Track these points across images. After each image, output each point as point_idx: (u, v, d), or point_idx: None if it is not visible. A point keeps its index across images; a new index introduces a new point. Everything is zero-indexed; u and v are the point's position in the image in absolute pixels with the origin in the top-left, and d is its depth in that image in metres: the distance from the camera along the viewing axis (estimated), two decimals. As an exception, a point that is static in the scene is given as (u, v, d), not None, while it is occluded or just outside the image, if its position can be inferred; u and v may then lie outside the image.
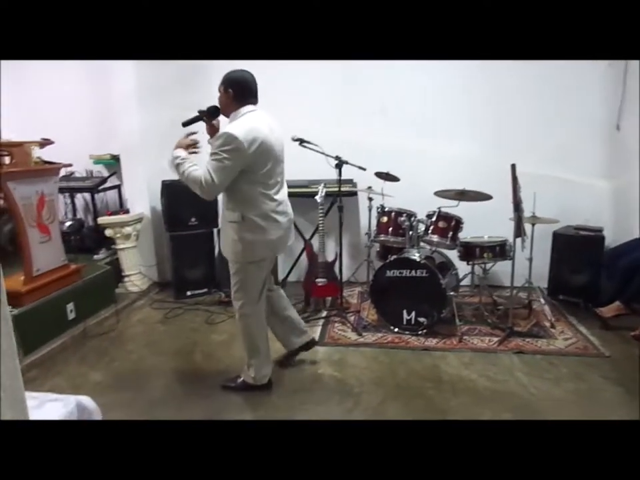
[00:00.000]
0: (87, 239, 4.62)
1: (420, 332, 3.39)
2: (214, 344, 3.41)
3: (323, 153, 3.43)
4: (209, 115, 2.53)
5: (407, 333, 3.41)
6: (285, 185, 2.63)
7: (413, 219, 3.56)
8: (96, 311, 3.83)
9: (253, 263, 2.52)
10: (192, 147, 2.52)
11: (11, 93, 4.97)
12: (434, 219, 3.53)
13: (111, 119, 4.49)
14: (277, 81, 4.29)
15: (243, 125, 2.35)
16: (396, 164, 3.94)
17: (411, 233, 3.51)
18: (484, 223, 3.73)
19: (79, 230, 4.68)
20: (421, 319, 3.37)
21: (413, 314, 3.38)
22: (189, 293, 4.35)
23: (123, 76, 4.29)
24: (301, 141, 3.45)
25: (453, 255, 3.73)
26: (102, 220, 4.35)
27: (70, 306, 3.53)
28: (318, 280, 3.81)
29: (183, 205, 4.19)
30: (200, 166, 2.42)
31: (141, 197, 4.52)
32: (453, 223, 3.51)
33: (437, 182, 3.68)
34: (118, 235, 4.35)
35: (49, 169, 3.49)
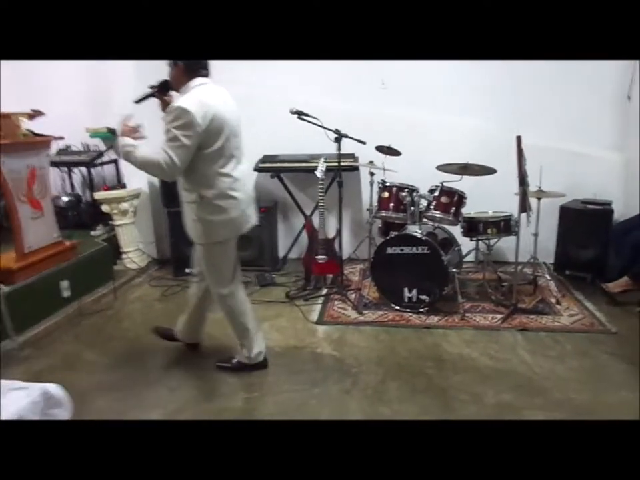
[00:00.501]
0: (84, 215, 4.54)
1: (421, 310, 3.31)
2: (210, 322, 3.31)
3: (321, 126, 3.31)
4: (160, 90, 2.44)
5: (408, 310, 3.34)
6: (244, 161, 2.51)
7: (414, 194, 3.44)
8: (92, 289, 3.78)
9: (217, 244, 2.43)
10: (135, 132, 2.38)
11: (5, 66, 4.84)
12: (436, 194, 3.42)
13: (107, 91, 4.36)
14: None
15: (193, 98, 2.24)
16: (398, 137, 3.80)
17: (412, 208, 3.40)
18: (488, 197, 3.61)
19: (76, 205, 4.60)
20: (423, 297, 3.29)
21: (415, 291, 3.30)
22: (187, 270, 4.25)
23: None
24: (300, 114, 3.33)
25: (456, 230, 3.62)
26: (98, 195, 4.26)
27: (64, 283, 3.47)
28: (318, 257, 3.72)
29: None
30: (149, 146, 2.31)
31: (138, 171, 4.36)
32: (455, 198, 3.40)
33: (440, 156, 3.55)
34: (115, 211, 4.26)
35: (39, 142, 3.39)
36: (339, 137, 3.33)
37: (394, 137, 3.78)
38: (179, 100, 2.25)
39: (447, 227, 3.64)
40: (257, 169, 4.15)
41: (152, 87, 2.45)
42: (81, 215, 4.50)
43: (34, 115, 3.41)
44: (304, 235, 4.16)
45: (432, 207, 3.43)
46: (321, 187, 3.61)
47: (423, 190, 3.51)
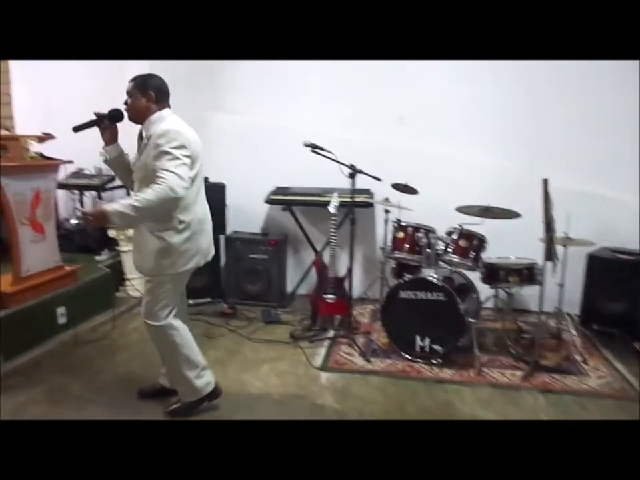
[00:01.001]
0: (91, 239, 4.45)
1: (434, 361, 3.07)
2: (209, 361, 3.13)
3: (336, 161, 3.17)
4: (111, 120, 2.33)
5: (420, 361, 3.09)
6: None
7: (431, 235, 3.25)
8: (90, 316, 3.64)
9: (178, 274, 2.31)
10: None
11: (24, 89, 4.88)
12: (455, 236, 3.21)
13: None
14: (288, 83, 4.09)
15: (176, 124, 2.21)
16: (416, 174, 3.63)
17: (428, 251, 3.20)
18: (511, 242, 3.38)
19: (84, 229, 4.52)
20: (436, 347, 3.06)
21: (427, 340, 3.07)
22: (191, 302, 4.09)
23: (138, 69, 4.09)
24: (313, 147, 3.20)
25: (475, 276, 3.39)
26: (105, 220, 4.17)
27: (61, 310, 3.34)
28: (326, 296, 3.53)
29: (189, 208, 3.99)
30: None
31: (148, 197, 4.32)
32: (475, 242, 3.19)
33: (460, 195, 3.37)
34: (121, 237, 4.16)
35: (46, 165, 3.32)
36: (354, 172, 3.18)
37: (411, 173, 3.60)
38: (165, 124, 2.19)
39: (465, 272, 3.42)
40: (268, 201, 4.01)
41: (100, 115, 2.32)
42: (88, 239, 4.40)
43: (44, 138, 3.36)
44: (314, 270, 3.99)
45: (449, 250, 3.22)
46: (333, 222, 3.44)
47: (441, 231, 3.32)
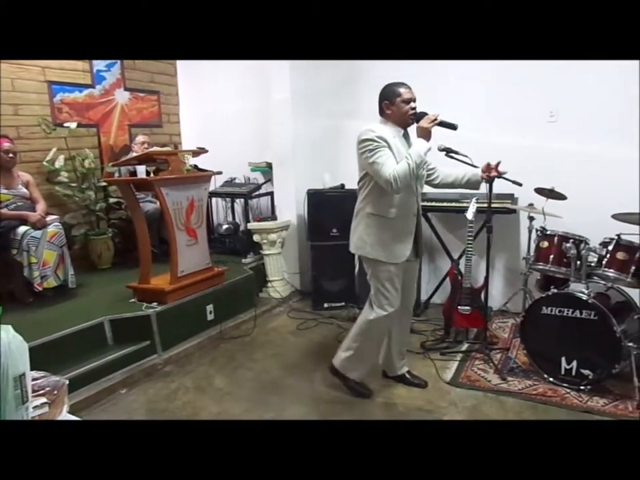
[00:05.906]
0: (239, 243, 4.84)
1: (582, 387, 2.73)
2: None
3: (471, 165, 3.00)
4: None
5: (565, 385, 2.77)
6: None
7: (582, 246, 2.89)
8: (234, 314, 3.94)
9: None
10: None
11: (188, 110, 5.50)
12: (611, 247, 2.82)
13: (269, 127, 4.63)
14: (421, 87, 3.97)
15: None
16: (566, 177, 3.29)
17: (578, 263, 2.85)
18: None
19: (234, 233, 4.92)
20: (585, 372, 2.71)
21: (574, 363, 2.74)
22: (325, 305, 4.25)
23: (280, 86, 4.37)
24: (448, 151, 3.07)
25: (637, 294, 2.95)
26: (251, 225, 4.50)
27: (209, 307, 3.68)
28: (461, 307, 3.36)
29: (325, 215, 4.12)
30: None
31: (289, 204, 4.56)
32: (637, 255, 2.76)
33: (618, 200, 2.95)
34: (264, 241, 4.45)
35: (200, 176, 3.69)
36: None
37: (561, 176, 3.28)
38: None
39: (625, 289, 2.98)
40: (402, 208, 3.95)
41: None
42: (236, 243, 4.79)
43: (198, 152, 3.74)
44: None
45: (604, 263, 2.84)
46: (470, 230, 3.26)
47: (595, 242, 2.94)
